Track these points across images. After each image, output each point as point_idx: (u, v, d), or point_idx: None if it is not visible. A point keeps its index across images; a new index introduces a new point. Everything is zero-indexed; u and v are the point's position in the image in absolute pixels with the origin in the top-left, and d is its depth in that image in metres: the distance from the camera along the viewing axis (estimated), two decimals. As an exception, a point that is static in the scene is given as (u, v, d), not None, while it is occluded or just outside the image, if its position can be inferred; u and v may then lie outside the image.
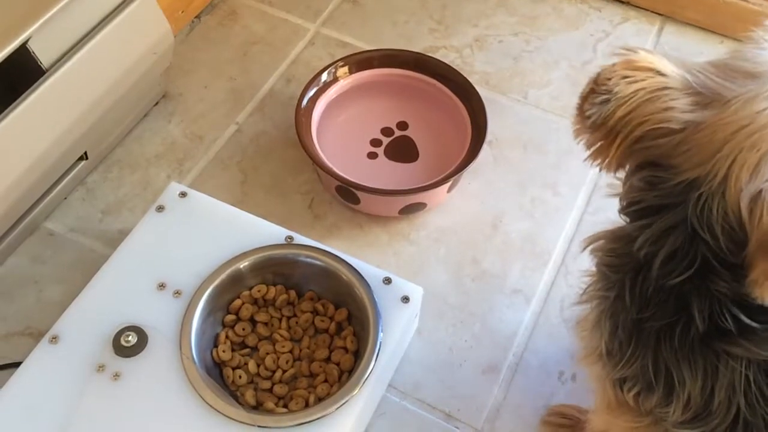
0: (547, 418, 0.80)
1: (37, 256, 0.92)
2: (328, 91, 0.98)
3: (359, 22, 1.17)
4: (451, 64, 1.02)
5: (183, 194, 0.85)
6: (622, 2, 1.21)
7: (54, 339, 0.74)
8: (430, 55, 1.05)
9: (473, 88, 0.97)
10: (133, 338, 0.73)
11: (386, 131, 1.00)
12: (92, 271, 0.80)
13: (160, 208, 0.84)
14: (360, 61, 1.00)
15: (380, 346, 0.75)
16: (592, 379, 0.64)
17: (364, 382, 0.72)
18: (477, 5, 1.20)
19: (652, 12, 1.20)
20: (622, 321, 0.55)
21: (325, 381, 0.76)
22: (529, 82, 1.11)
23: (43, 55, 0.81)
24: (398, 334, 0.77)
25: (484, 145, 0.94)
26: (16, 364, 0.73)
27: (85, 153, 0.95)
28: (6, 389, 0.71)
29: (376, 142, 0.99)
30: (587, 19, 1.20)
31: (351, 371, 0.76)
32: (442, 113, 1.00)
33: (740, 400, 0.52)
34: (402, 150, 0.98)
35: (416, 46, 1.12)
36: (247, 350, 0.79)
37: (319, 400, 0.74)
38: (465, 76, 0.99)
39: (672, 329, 0.53)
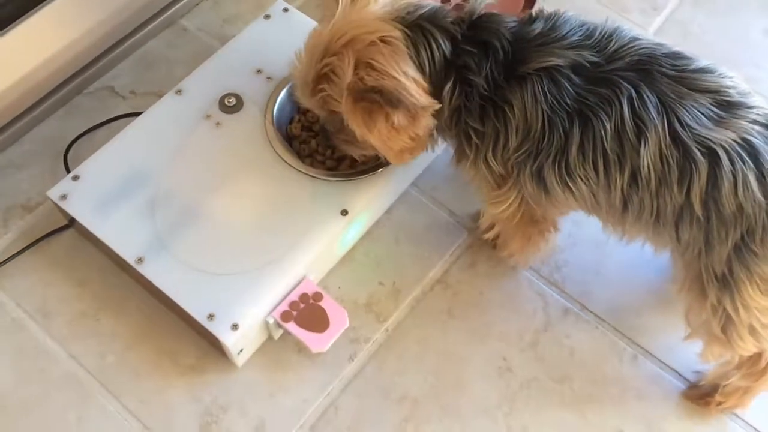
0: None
1: (171, 43, 1.20)
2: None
3: None
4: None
5: (285, 9, 1.10)
6: None
7: (179, 92, 1.02)
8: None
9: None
10: (233, 101, 1.00)
11: (456, -6, 1.21)
12: (210, 60, 1.07)
13: (267, 17, 1.09)
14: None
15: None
16: (472, 180, 0.87)
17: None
18: None
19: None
20: (464, 107, 0.78)
21: (364, 163, 1.01)
22: (591, -23, 1.28)
23: None
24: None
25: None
26: (151, 106, 1.02)
27: (218, -30, 1.20)
28: (142, 118, 1.00)
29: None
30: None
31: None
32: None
33: (543, 106, 0.74)
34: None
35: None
36: (312, 133, 1.05)
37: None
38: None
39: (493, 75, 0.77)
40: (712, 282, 0.77)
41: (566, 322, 0.98)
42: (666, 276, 0.98)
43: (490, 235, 0.96)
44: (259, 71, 1.04)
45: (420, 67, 0.77)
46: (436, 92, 0.79)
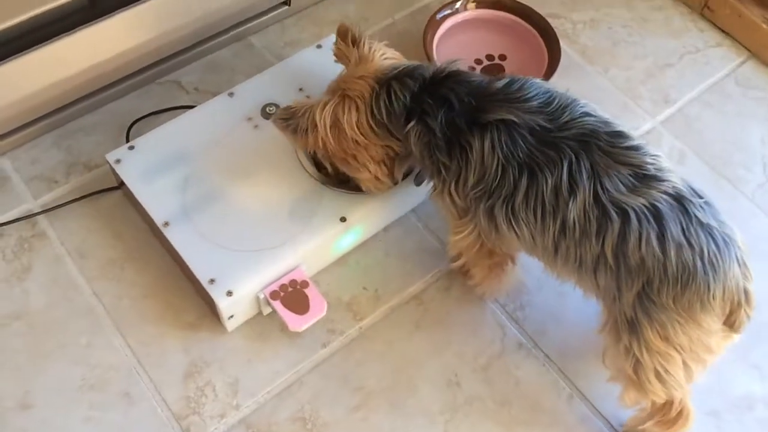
0: None
1: (238, 55, 1.39)
2: (455, 15, 1.36)
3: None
4: (560, 30, 1.36)
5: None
6: (723, 31, 1.46)
7: (231, 94, 1.20)
8: (547, 18, 1.38)
9: (557, 42, 1.33)
10: (274, 109, 1.18)
11: (489, 57, 1.37)
12: (265, 74, 1.26)
13: (319, 47, 1.27)
14: (489, 1, 1.37)
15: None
16: (441, 210, 1.01)
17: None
18: (606, -5, 1.50)
19: (743, 46, 1.45)
20: (434, 144, 0.93)
21: (373, 184, 1.17)
22: (615, 63, 1.42)
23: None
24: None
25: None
26: (206, 102, 1.21)
27: (289, 0, 1.40)
28: (196, 110, 1.19)
29: (477, 61, 1.36)
30: (688, 34, 1.47)
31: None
32: (533, 54, 1.35)
33: (498, 153, 0.89)
34: (494, 72, 1.35)
35: (543, 9, 1.45)
36: (335, 150, 1.21)
37: (365, 193, 1.15)
38: (558, 36, 1.33)
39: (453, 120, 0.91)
40: (624, 325, 0.89)
41: (518, 355, 1.10)
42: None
43: (458, 264, 1.09)
44: (300, 89, 1.21)
45: (377, 113, 0.96)
46: (397, 130, 0.96)
